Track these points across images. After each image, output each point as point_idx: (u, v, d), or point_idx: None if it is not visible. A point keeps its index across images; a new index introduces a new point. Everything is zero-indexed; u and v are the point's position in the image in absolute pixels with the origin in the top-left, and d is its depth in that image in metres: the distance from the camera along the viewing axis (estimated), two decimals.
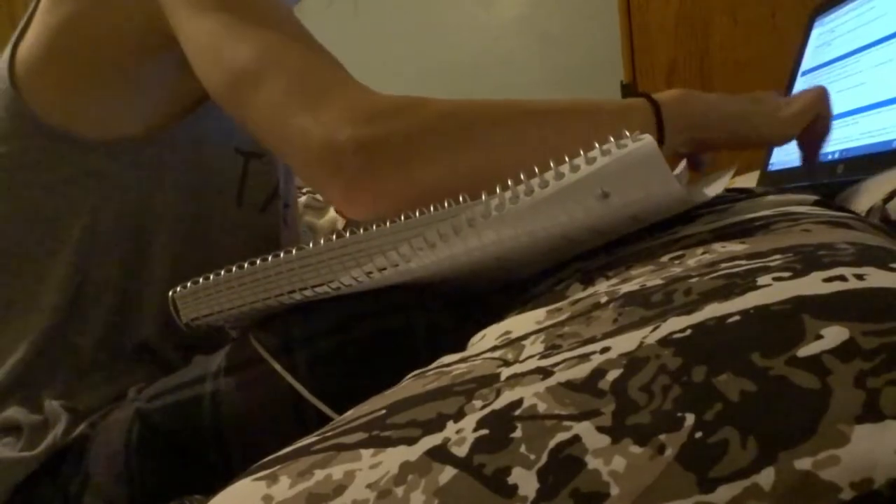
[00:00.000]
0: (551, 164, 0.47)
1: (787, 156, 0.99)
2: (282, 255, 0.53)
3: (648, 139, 0.45)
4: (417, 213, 0.49)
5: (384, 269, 0.50)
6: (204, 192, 0.76)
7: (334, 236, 0.51)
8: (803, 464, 0.25)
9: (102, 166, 0.73)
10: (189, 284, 0.57)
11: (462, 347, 0.46)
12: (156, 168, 0.74)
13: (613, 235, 0.51)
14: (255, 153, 0.79)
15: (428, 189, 0.54)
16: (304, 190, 1.34)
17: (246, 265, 0.54)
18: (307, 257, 0.52)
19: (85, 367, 0.73)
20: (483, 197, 0.48)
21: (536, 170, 0.47)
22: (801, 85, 1.02)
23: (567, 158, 0.47)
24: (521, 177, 0.47)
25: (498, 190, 0.48)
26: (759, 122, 0.66)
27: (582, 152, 0.46)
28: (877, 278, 0.32)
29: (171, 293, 0.59)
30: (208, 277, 0.56)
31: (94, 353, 0.74)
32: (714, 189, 0.53)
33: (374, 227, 0.50)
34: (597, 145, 0.46)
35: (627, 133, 0.46)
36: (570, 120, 0.59)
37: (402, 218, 0.50)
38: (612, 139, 0.46)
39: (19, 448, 0.70)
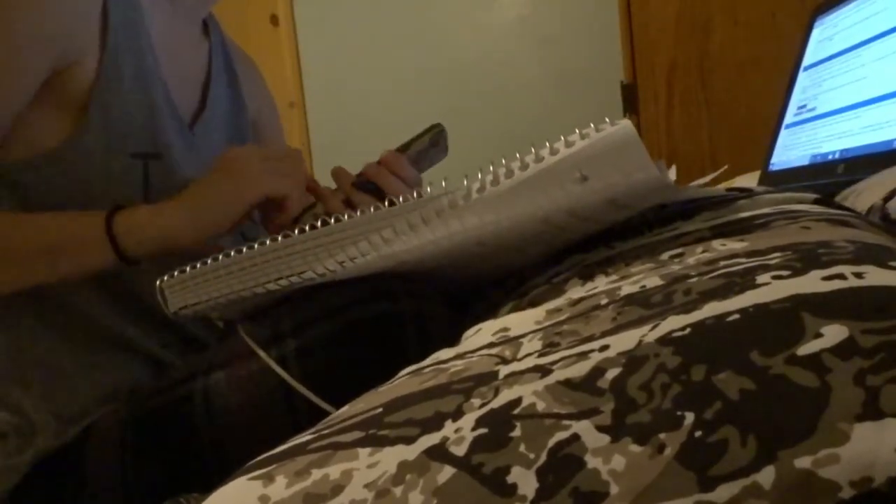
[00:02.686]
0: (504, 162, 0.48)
1: (787, 156, 0.99)
2: (268, 242, 0.53)
3: (626, 123, 0.45)
4: (401, 199, 0.50)
5: (367, 253, 0.50)
6: (104, 205, 0.72)
7: (319, 223, 0.52)
8: (803, 462, 0.24)
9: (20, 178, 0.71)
10: (176, 273, 0.57)
11: (456, 338, 0.46)
12: (47, 187, 0.71)
13: (597, 224, 0.51)
14: (151, 154, 0.75)
15: None
16: None
17: (233, 253, 0.54)
18: (292, 245, 0.52)
19: (61, 370, 0.73)
20: (464, 182, 0.48)
21: (517, 154, 0.48)
22: (803, 80, 1.02)
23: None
24: (503, 160, 0.47)
25: (479, 174, 0.48)
26: (223, 200, 0.69)
27: (562, 137, 0.47)
28: (876, 276, 0.32)
29: (158, 282, 0.58)
30: (195, 266, 0.56)
31: (64, 355, 0.73)
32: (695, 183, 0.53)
33: (358, 213, 0.50)
34: (577, 130, 0.46)
35: (607, 119, 0.46)
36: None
37: (386, 204, 0.50)
38: (591, 125, 0.46)
39: (7, 454, 0.70)
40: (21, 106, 0.68)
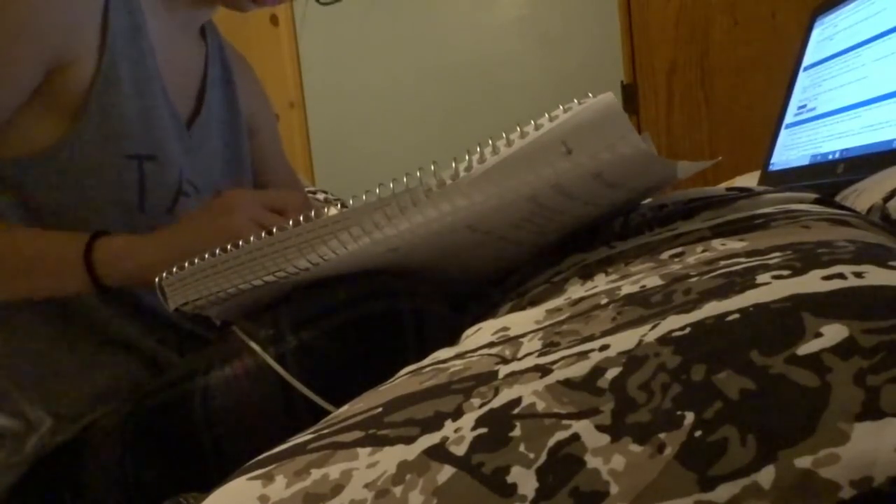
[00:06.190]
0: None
1: (787, 156, 0.99)
2: (263, 235, 0.53)
3: (608, 95, 0.45)
4: (392, 184, 0.50)
5: (360, 237, 0.50)
6: (99, 205, 0.72)
7: (313, 214, 0.52)
8: (803, 462, 0.24)
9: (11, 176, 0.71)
10: (175, 270, 0.57)
11: (455, 338, 0.46)
12: (43, 185, 0.71)
13: (586, 204, 0.51)
14: (147, 156, 0.74)
15: None
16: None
17: (230, 247, 0.55)
18: (288, 238, 0.52)
19: (57, 368, 0.73)
20: (453, 164, 0.48)
21: (503, 133, 0.48)
22: (803, 80, 1.02)
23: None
24: (489, 140, 0.48)
25: (466, 155, 0.48)
26: (201, 243, 0.64)
27: (546, 113, 0.47)
28: (876, 276, 0.32)
29: (157, 279, 0.58)
30: (193, 262, 0.56)
31: (61, 354, 0.73)
32: (684, 171, 0.53)
33: (351, 201, 0.51)
34: (560, 106, 0.46)
35: (590, 94, 0.46)
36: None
37: (377, 190, 0.50)
38: (574, 99, 0.46)
39: (6, 454, 0.70)
40: (18, 100, 0.69)
